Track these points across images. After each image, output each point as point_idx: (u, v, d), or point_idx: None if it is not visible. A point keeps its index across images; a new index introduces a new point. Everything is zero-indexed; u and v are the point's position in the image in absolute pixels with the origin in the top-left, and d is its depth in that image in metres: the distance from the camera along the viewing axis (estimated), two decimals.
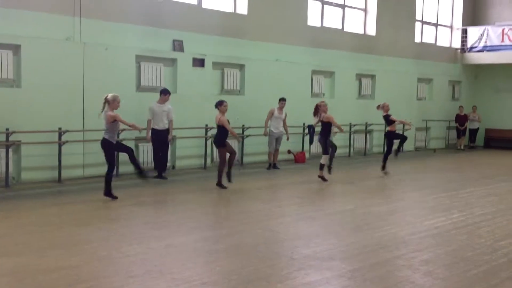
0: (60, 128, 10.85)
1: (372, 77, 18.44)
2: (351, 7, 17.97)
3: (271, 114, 13.58)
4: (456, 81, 22.25)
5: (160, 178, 11.57)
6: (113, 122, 9.00)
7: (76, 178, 11.25)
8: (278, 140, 13.68)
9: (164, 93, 11.77)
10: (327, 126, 11.97)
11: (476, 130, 21.45)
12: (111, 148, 9.13)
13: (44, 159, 10.92)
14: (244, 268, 5.72)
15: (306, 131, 15.64)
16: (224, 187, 10.54)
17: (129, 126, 9.26)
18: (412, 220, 8.34)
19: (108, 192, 9.14)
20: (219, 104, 10.70)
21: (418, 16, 20.34)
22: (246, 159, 14.36)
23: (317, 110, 11.97)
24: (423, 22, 20.79)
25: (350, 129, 17.37)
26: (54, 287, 5.03)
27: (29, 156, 10.76)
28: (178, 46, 13.08)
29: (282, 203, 9.79)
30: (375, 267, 5.90)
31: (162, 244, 6.56)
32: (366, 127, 17.97)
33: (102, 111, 9.02)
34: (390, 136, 13.10)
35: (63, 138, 10.89)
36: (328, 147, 11.94)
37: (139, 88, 12.48)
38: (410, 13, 19.81)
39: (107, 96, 9.06)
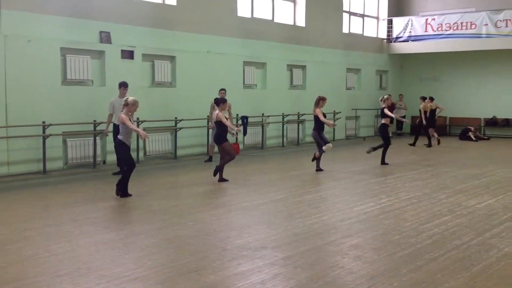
0: None
1: (303, 67, 18.70)
2: None
3: (212, 107, 13.40)
4: (383, 70, 22.92)
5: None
6: (124, 124, 8.74)
7: None
8: None
9: (119, 86, 11.39)
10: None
11: (403, 117, 22.16)
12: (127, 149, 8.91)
13: None
14: (176, 262, 5.68)
15: (240, 122, 15.69)
16: (226, 180, 10.60)
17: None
18: (342, 207, 8.55)
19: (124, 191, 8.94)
20: (223, 102, 10.59)
21: (345, 7, 20.77)
22: (179, 152, 14.23)
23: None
24: (350, 13, 21.24)
25: (283, 119, 17.56)
26: None
27: None
28: (105, 37, 12.75)
29: (215, 194, 9.78)
30: (306, 254, 6.01)
31: (92, 241, 6.42)
32: (298, 117, 18.22)
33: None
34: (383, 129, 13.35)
35: None
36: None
37: (65, 81, 12.09)
38: (337, 4, 20.20)
39: (127, 98, 8.92)
